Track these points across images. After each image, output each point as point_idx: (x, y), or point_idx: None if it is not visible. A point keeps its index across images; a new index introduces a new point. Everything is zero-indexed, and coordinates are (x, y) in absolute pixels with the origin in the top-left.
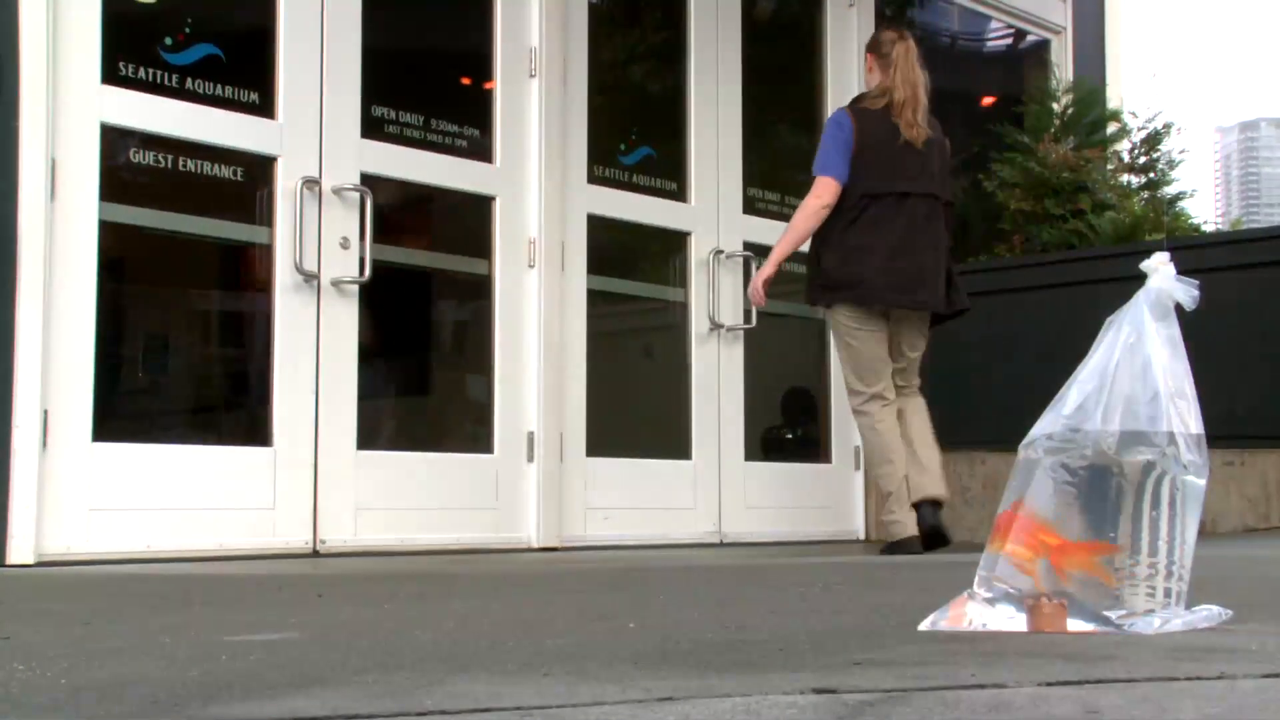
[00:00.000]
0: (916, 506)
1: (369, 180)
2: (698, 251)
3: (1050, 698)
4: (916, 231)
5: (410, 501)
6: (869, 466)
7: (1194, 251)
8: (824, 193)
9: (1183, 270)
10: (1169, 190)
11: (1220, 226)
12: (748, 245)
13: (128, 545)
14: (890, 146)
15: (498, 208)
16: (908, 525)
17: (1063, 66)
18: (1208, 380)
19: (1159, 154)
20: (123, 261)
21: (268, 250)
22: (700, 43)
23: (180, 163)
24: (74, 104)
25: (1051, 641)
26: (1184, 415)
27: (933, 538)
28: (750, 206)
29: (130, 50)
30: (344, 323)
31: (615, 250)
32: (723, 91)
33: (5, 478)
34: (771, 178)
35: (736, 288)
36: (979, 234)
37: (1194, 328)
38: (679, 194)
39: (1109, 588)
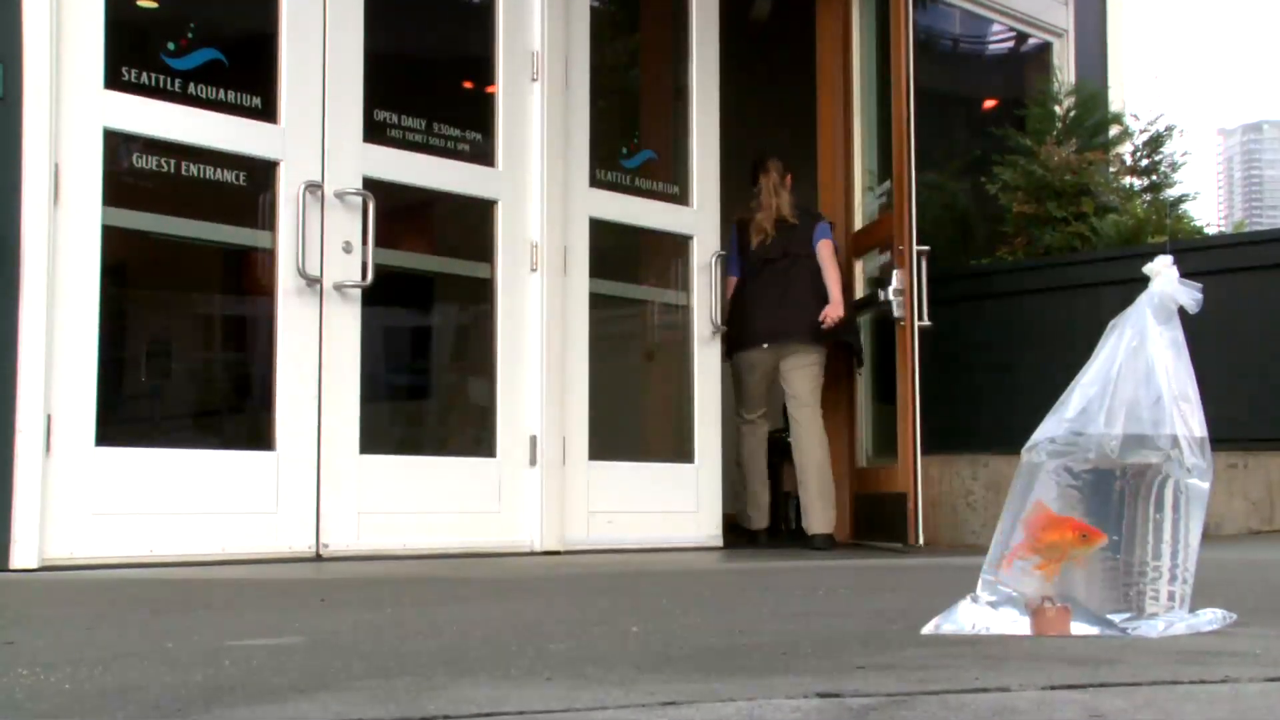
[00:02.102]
0: (811, 538)
1: (371, 184)
2: (700, 255)
3: (1054, 701)
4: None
5: (413, 505)
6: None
7: (1197, 254)
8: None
9: (1185, 273)
10: (1171, 193)
11: (1223, 229)
12: None
13: (131, 549)
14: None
15: (500, 211)
16: (758, 520)
17: (1065, 69)
18: (1211, 383)
19: (1161, 156)
20: (125, 266)
21: (270, 254)
22: (702, 45)
23: (183, 167)
24: (77, 109)
25: (1055, 645)
26: (1187, 418)
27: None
28: None
29: (133, 55)
30: (346, 326)
31: (617, 254)
32: (725, 94)
33: (9, 482)
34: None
35: None
36: (981, 237)
37: (1197, 330)
38: (681, 197)
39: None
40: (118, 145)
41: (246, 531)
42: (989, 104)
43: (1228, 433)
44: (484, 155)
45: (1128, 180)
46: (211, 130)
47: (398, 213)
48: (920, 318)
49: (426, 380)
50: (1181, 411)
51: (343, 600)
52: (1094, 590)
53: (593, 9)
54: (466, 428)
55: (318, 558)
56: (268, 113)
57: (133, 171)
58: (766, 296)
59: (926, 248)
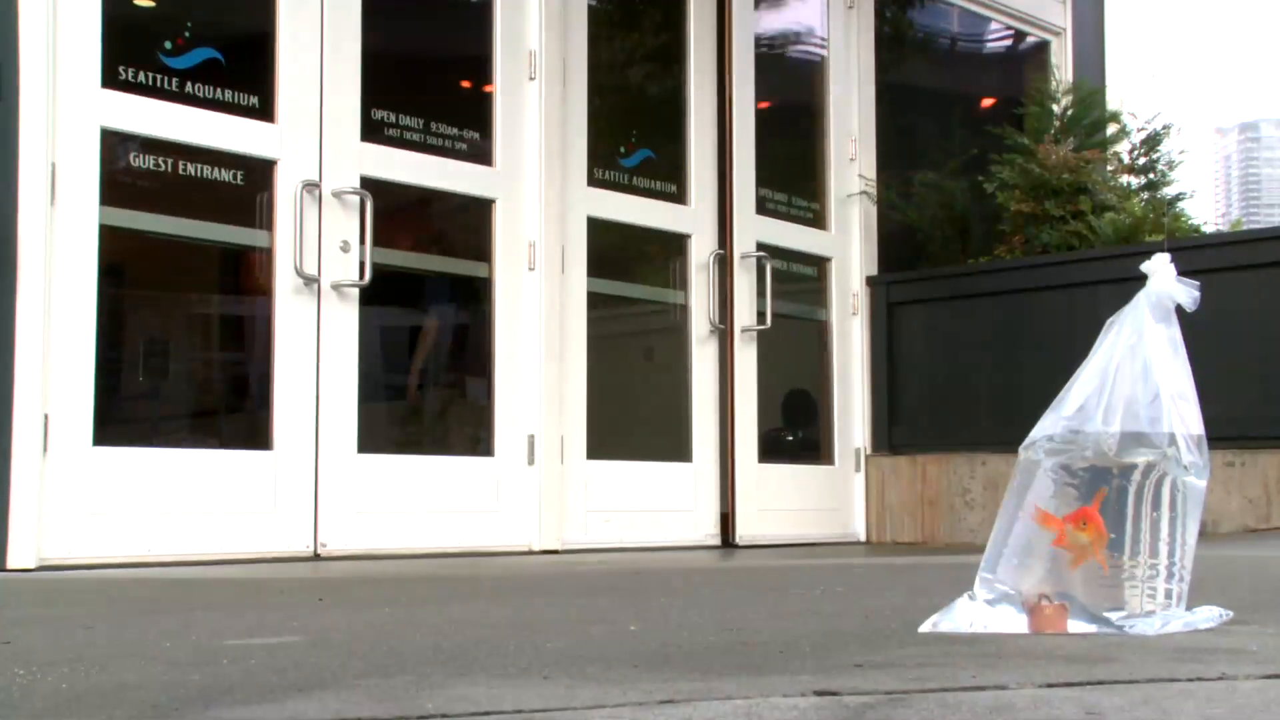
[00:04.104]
0: None
1: (369, 183)
2: (697, 254)
3: (1051, 699)
4: None
5: (411, 505)
6: None
7: (1194, 252)
8: None
9: (1183, 271)
10: (1169, 191)
11: (1220, 227)
12: (761, 246)
13: (128, 549)
14: None
15: (497, 210)
16: None
17: (1062, 68)
18: (1208, 381)
19: (1159, 155)
20: (123, 265)
21: (268, 254)
22: (700, 44)
23: (180, 166)
24: (74, 108)
25: (1052, 643)
26: (1185, 416)
27: None
28: (761, 207)
29: (130, 54)
30: (344, 326)
31: (615, 253)
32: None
33: (6, 482)
34: (781, 178)
35: (751, 288)
36: (979, 236)
37: (1194, 329)
38: (679, 196)
39: (1104, 575)
40: (115, 144)
41: (244, 531)
42: (986, 103)
43: (1225, 431)
44: (482, 154)
45: (1125, 179)
46: (209, 129)
47: (395, 212)
48: (763, 322)
49: (424, 379)
50: (1179, 409)
51: (341, 599)
52: (1091, 588)
53: (590, 8)
54: (464, 427)
55: (316, 557)
56: (265, 112)
57: (130, 171)
58: None
59: (762, 253)
